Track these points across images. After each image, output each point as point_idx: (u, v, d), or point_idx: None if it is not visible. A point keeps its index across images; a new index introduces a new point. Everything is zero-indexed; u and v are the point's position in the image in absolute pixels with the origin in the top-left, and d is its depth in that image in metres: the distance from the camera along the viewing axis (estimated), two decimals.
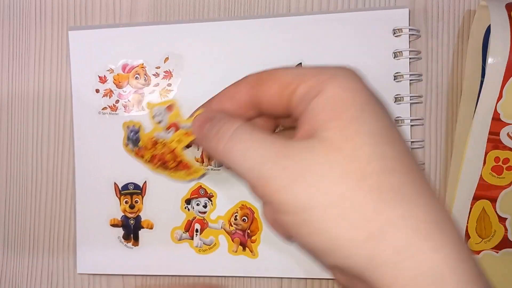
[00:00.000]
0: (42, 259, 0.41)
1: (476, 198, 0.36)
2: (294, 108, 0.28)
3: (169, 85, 0.38)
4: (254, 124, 0.32)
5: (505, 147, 0.35)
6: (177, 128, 0.33)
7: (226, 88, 0.32)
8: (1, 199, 0.41)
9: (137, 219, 0.38)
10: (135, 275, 0.39)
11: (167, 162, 0.35)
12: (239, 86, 0.32)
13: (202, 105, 0.32)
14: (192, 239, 0.38)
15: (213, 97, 0.32)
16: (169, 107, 0.34)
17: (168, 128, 0.33)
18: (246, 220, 0.39)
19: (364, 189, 0.25)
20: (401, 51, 0.37)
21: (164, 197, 0.38)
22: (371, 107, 0.26)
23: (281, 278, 0.39)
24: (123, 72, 0.39)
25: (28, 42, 0.41)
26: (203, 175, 0.37)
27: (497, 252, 0.36)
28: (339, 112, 0.26)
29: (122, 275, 0.39)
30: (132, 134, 0.35)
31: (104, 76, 0.39)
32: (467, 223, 0.36)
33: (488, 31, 0.36)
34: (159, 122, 0.34)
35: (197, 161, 0.39)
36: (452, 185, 0.37)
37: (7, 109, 0.41)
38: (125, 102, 0.39)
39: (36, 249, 0.41)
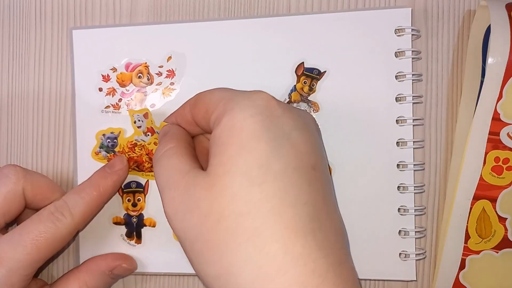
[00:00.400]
0: None
1: (476, 198, 0.36)
2: None
3: (172, 84, 0.38)
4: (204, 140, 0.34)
5: (505, 147, 0.35)
6: (153, 132, 0.38)
7: (182, 104, 0.33)
8: None
9: (140, 217, 0.38)
10: (137, 272, 0.39)
11: (143, 163, 0.38)
12: (185, 104, 0.33)
13: (167, 117, 0.35)
14: None
15: (174, 112, 0.34)
16: (145, 115, 0.38)
17: (146, 132, 0.38)
18: None
19: (220, 229, 0.25)
20: (403, 51, 0.37)
21: None
22: (252, 145, 0.26)
23: None
24: (126, 71, 0.39)
25: (28, 42, 0.41)
26: None
27: (497, 252, 0.36)
28: (223, 149, 0.27)
29: None
30: (108, 141, 0.38)
31: (107, 74, 0.39)
32: (467, 223, 0.36)
33: (488, 31, 0.36)
34: (139, 127, 0.38)
35: None
36: (452, 185, 0.37)
37: (7, 109, 0.41)
38: (128, 100, 0.39)
39: None
